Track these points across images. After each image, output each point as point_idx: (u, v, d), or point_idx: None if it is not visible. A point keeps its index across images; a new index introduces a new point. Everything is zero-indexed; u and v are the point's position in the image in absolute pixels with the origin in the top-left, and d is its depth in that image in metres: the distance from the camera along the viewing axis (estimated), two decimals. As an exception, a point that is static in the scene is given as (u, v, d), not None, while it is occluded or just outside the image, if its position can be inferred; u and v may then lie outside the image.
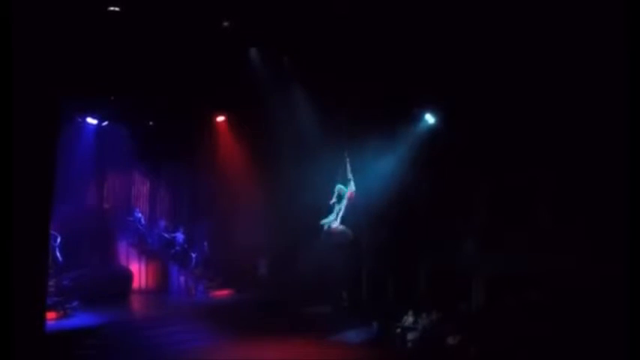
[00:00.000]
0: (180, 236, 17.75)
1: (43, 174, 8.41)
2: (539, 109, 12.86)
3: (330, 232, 11.94)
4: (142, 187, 18.98)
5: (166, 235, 17.88)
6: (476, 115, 13.75)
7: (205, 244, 17.80)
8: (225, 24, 13.12)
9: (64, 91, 9.33)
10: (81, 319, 12.88)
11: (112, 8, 11.72)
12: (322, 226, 12.01)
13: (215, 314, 14.67)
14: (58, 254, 14.01)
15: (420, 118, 15.19)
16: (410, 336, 13.31)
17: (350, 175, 11.87)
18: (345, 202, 11.97)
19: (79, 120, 16.35)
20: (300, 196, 15.22)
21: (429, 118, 15.13)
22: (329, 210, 12.02)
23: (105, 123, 16.90)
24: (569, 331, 11.48)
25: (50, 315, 12.00)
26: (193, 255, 17.45)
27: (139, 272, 17.48)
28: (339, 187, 12.02)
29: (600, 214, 12.18)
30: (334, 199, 12.00)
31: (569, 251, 12.81)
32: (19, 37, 7.27)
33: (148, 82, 13.94)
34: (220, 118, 18.26)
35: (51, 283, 12.39)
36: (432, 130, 15.09)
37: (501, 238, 14.24)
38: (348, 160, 11.89)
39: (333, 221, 11.93)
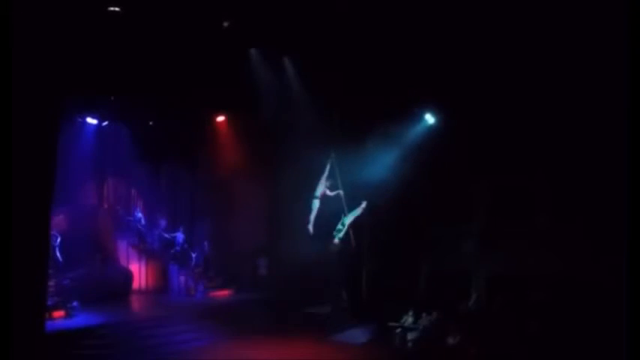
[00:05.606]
0: (180, 236, 17.74)
1: (43, 174, 8.41)
2: (539, 110, 12.86)
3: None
4: (142, 187, 18.96)
5: (166, 235, 17.87)
6: (476, 116, 13.75)
7: (205, 244, 17.82)
8: (225, 24, 13.12)
9: (64, 91, 9.33)
10: (81, 319, 12.89)
11: (112, 8, 11.72)
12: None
13: (215, 314, 14.68)
14: (58, 254, 14.02)
15: (420, 118, 15.18)
16: (410, 336, 13.28)
17: (325, 176, 12.11)
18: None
19: (79, 120, 16.37)
20: (299, 196, 15.20)
21: (429, 118, 15.13)
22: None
23: (105, 123, 16.93)
24: (569, 330, 11.48)
25: (50, 315, 12.03)
26: (193, 255, 17.45)
27: (139, 272, 17.49)
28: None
29: (600, 213, 12.19)
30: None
31: (569, 251, 12.82)
32: (19, 37, 7.27)
33: (148, 82, 13.94)
34: (220, 118, 18.26)
35: (51, 283, 12.41)
36: (432, 130, 15.08)
37: (501, 238, 14.23)
38: (331, 161, 12.01)
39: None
